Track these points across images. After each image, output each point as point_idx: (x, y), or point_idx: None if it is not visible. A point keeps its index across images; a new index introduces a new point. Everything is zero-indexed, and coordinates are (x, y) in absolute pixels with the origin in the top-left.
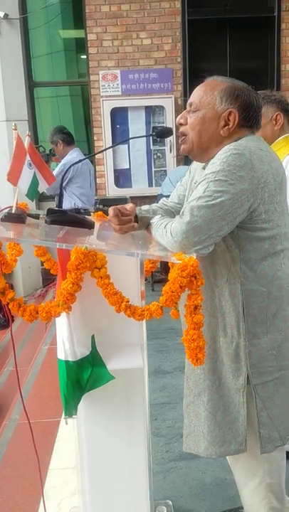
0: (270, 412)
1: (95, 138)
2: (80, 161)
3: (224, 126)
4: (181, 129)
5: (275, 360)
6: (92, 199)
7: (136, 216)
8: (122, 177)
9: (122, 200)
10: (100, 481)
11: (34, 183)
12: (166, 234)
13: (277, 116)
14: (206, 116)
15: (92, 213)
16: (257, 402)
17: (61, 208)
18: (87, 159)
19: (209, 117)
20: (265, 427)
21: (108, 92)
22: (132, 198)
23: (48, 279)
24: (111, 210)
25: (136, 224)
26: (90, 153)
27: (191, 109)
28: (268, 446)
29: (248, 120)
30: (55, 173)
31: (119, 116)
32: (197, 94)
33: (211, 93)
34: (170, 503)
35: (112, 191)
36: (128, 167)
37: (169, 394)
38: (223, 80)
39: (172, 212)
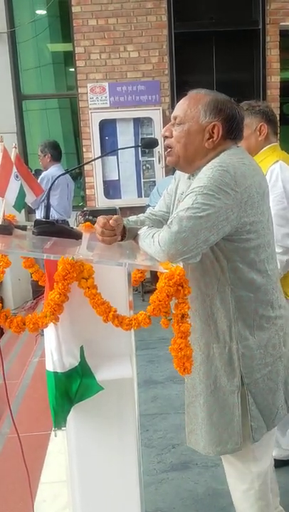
0: (259, 405)
1: (84, 150)
2: (66, 172)
3: (208, 138)
4: (167, 141)
5: (263, 358)
6: (69, 211)
7: (124, 227)
8: (112, 188)
9: (112, 211)
10: (91, 494)
11: (21, 194)
12: (154, 243)
13: (261, 127)
14: (191, 129)
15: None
16: (249, 399)
17: (48, 218)
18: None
19: (194, 130)
20: (255, 419)
21: (96, 104)
22: (121, 208)
23: (38, 291)
24: (99, 218)
25: (119, 236)
26: (79, 164)
27: (176, 122)
28: (256, 435)
29: (232, 132)
30: None
31: (107, 128)
32: (181, 107)
33: (195, 107)
34: None
35: (102, 202)
36: (117, 178)
37: (160, 404)
38: (206, 93)
39: (160, 222)
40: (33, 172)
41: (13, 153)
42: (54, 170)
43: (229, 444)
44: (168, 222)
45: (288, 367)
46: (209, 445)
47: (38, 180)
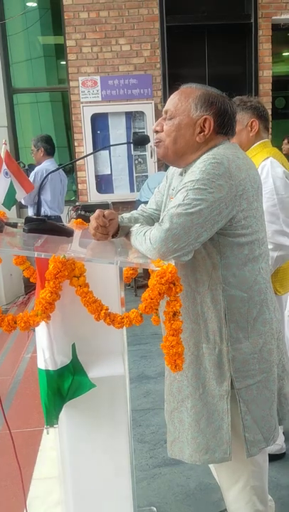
0: (253, 415)
1: (76, 144)
2: (58, 168)
3: (200, 132)
4: (157, 135)
5: (258, 364)
6: (62, 206)
7: (118, 224)
8: (104, 183)
9: (104, 206)
10: (84, 490)
11: (11, 191)
12: (146, 241)
13: (252, 122)
14: (182, 123)
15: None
16: (241, 406)
17: (38, 215)
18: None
19: (185, 124)
20: (250, 430)
21: (88, 98)
22: (113, 203)
23: (30, 286)
24: (96, 211)
25: (110, 236)
26: (71, 159)
27: (167, 117)
28: (253, 449)
29: (223, 127)
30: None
31: (99, 122)
32: (172, 101)
33: (186, 100)
34: (155, 509)
35: (94, 197)
36: (109, 173)
37: (152, 400)
38: (197, 87)
39: (152, 219)
40: (26, 167)
41: (2, 150)
42: (47, 164)
43: (217, 453)
44: (160, 220)
45: (282, 376)
46: (196, 453)
47: (32, 175)
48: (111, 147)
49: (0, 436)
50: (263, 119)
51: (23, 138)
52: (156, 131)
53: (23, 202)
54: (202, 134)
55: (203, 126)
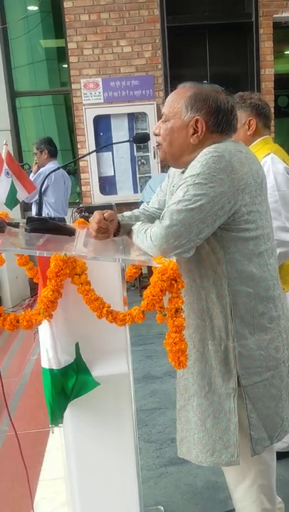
0: (259, 413)
1: (79, 146)
2: (59, 168)
3: (193, 134)
4: (157, 139)
5: (264, 361)
6: (66, 208)
7: (118, 223)
8: (107, 184)
9: (108, 207)
10: (90, 489)
11: (12, 191)
12: (147, 239)
13: (250, 121)
14: (175, 126)
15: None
16: (247, 404)
17: (40, 215)
18: (63, 171)
19: (177, 127)
20: (255, 428)
21: (90, 100)
22: (117, 204)
23: (36, 288)
24: (94, 214)
25: (111, 234)
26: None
27: (163, 120)
28: (257, 447)
29: (218, 125)
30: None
31: (102, 123)
32: (168, 104)
33: (178, 102)
34: (162, 508)
35: (98, 198)
36: (113, 174)
37: (158, 399)
38: (191, 86)
39: (153, 218)
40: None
41: (3, 151)
42: (52, 166)
43: (224, 455)
44: (160, 217)
45: None
46: (202, 454)
47: (36, 176)
48: (114, 149)
49: (6, 437)
50: (262, 116)
51: (27, 141)
52: (157, 135)
53: (25, 200)
54: (196, 135)
55: (196, 127)
